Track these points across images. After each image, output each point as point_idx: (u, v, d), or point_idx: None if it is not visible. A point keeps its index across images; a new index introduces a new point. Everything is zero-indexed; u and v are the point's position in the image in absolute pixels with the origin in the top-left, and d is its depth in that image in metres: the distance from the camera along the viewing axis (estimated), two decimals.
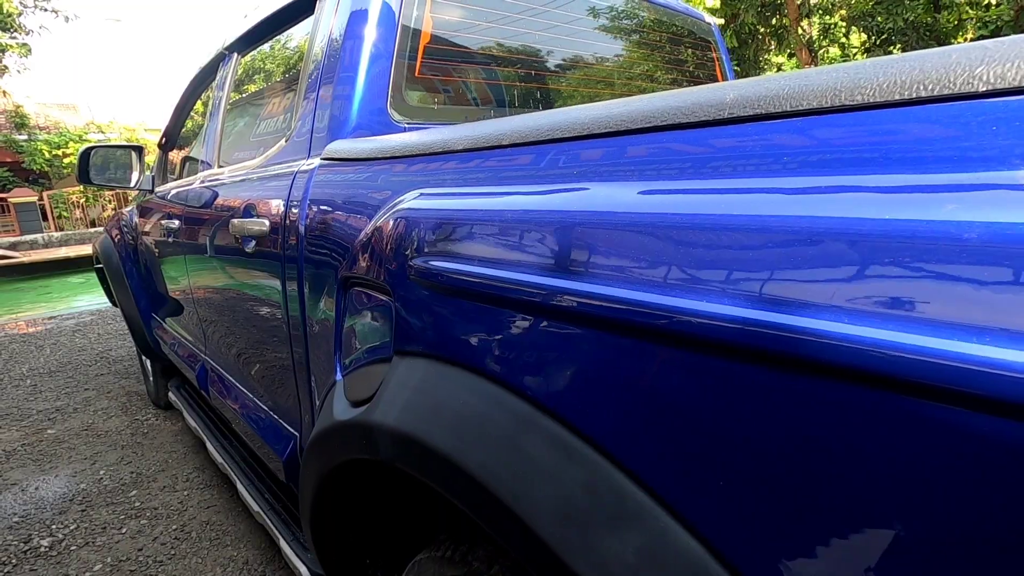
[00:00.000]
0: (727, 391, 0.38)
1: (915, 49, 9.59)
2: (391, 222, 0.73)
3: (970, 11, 8.44)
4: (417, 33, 1.10)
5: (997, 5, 8.75)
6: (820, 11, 9.86)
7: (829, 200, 0.35)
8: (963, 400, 0.28)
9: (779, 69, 13.34)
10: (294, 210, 1.04)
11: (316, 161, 1.04)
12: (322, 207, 0.97)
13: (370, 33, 1.05)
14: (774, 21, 9.52)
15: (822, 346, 0.33)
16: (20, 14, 15.72)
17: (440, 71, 1.14)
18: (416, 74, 1.10)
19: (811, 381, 0.34)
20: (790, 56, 10.29)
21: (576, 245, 0.48)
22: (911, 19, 8.07)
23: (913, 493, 0.31)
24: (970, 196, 0.31)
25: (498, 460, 0.52)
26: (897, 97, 0.35)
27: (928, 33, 8.36)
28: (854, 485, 0.33)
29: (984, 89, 0.33)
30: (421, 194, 0.71)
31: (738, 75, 8.57)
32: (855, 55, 10.16)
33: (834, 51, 9.76)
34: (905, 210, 0.32)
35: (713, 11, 6.99)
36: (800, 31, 10.19)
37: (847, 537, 0.33)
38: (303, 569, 1.27)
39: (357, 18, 1.06)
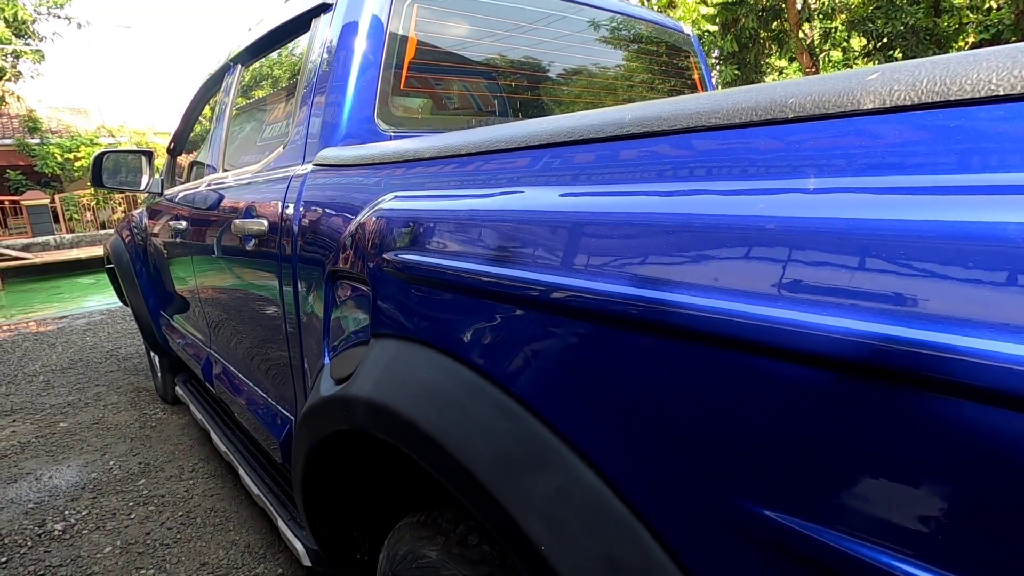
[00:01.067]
0: (619, 358, 0.48)
1: (915, 53, 9.61)
2: (369, 221, 0.83)
3: (970, 15, 8.48)
4: (402, 49, 1.20)
5: (998, 9, 8.78)
6: (820, 15, 9.93)
7: (690, 200, 0.45)
8: (752, 347, 0.38)
9: (781, 73, 13.45)
10: (289, 211, 1.14)
11: (309, 167, 1.15)
12: (313, 209, 1.07)
13: (359, 49, 1.16)
14: (774, 25, 9.60)
15: (683, 316, 0.42)
16: (34, 21, 16.04)
17: (423, 84, 1.24)
18: (401, 87, 1.20)
19: (679, 348, 0.44)
20: (791, 60, 10.38)
21: (511, 239, 0.58)
22: (911, 24, 8.12)
23: (749, 424, 0.40)
24: (778, 197, 0.40)
25: (449, 420, 0.62)
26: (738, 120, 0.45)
27: (928, 37, 8.40)
28: (720, 435, 0.42)
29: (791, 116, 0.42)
30: (395, 196, 0.81)
31: (738, 78, 8.60)
32: (856, 59, 10.24)
33: (836, 55, 9.82)
34: (724, 206, 0.41)
35: (713, 17, 7.07)
36: (802, 35, 10.25)
37: (712, 478, 0.42)
38: (299, 546, 1.36)
39: (347, 36, 1.17)
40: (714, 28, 7.64)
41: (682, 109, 0.48)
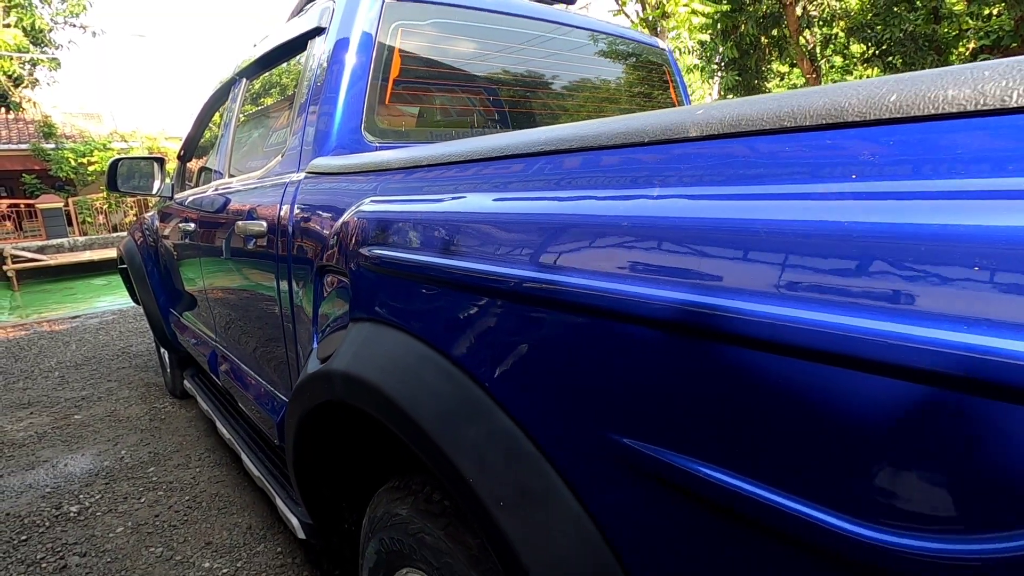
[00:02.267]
0: (526, 330, 0.60)
1: (914, 59, 9.69)
2: (350, 222, 0.96)
3: (970, 21, 8.54)
4: (387, 68, 1.33)
5: (998, 15, 8.84)
6: (820, 22, 10.03)
7: (577, 204, 0.58)
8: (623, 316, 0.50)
9: (783, 78, 13.58)
10: (284, 214, 1.28)
11: (303, 174, 1.28)
12: (305, 212, 1.21)
13: (348, 68, 1.29)
14: (774, 32, 9.71)
15: (565, 294, 0.55)
16: (51, 30, 16.44)
17: (405, 99, 1.38)
18: (386, 102, 1.33)
19: (563, 321, 0.56)
20: (792, 66, 10.49)
21: (456, 236, 0.71)
22: (909, 30, 8.21)
23: (614, 379, 0.52)
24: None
25: (406, 385, 0.74)
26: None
27: (928, 44, 8.48)
28: (596, 389, 0.54)
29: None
30: (371, 201, 0.94)
31: (739, 84, 8.63)
32: (856, 64, 10.34)
33: (837, 60, 9.92)
34: (595, 209, 0.54)
35: (705, 27, 7.17)
36: (803, 41, 10.34)
37: (592, 421, 0.55)
38: (294, 520, 1.49)
39: (338, 56, 1.30)
40: (705, 37, 7.79)
41: (584, 132, 0.60)
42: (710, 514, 0.45)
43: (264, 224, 1.38)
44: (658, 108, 2.05)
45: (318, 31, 1.39)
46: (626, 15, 6.58)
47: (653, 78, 2.03)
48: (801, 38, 9.65)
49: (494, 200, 0.68)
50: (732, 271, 0.42)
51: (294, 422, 1.10)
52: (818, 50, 10.27)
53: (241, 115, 1.93)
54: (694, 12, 5.86)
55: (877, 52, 8.76)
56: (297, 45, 1.50)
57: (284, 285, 1.31)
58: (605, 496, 0.55)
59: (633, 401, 0.50)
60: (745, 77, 10.14)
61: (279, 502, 1.62)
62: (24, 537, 2.12)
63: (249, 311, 1.64)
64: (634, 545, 0.53)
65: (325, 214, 1.10)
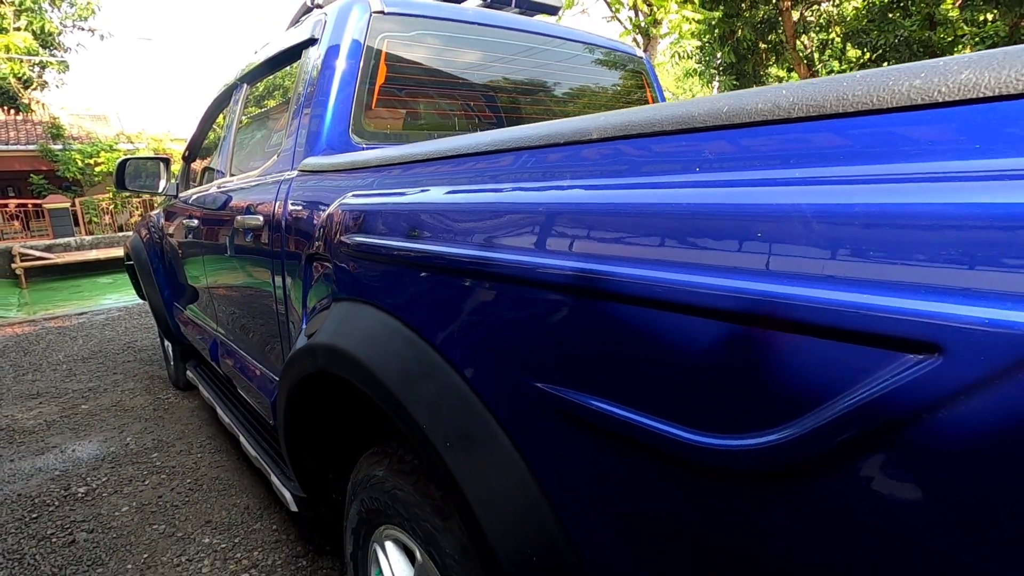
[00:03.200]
0: (467, 301, 0.72)
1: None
2: (335, 214, 1.08)
3: (966, 27, 8.64)
4: (373, 76, 1.45)
5: (993, 21, 8.93)
6: (817, 28, 10.14)
7: (506, 195, 0.69)
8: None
9: (781, 81, 13.66)
10: (279, 209, 1.40)
11: (296, 172, 1.40)
12: (297, 206, 1.33)
13: (337, 76, 1.42)
14: (771, 37, 9.82)
15: (492, 267, 0.67)
16: (60, 33, 16.71)
17: (390, 105, 1.50)
18: (372, 107, 1.46)
19: (506, 291, 0.68)
20: (789, 71, 10.60)
21: (416, 224, 0.83)
22: (904, 36, 8.30)
23: (533, 339, 0.64)
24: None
25: (376, 352, 0.86)
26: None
27: (923, 49, 8.58)
28: (520, 346, 0.66)
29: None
30: (351, 195, 1.06)
31: (737, 88, 8.76)
32: (852, 69, 10.42)
33: (834, 65, 10.02)
34: (517, 199, 0.66)
35: (701, 32, 7.31)
36: (801, 46, 10.44)
37: (518, 373, 0.66)
38: (288, 495, 1.61)
39: (328, 66, 1.43)
40: (696, 43, 7.92)
41: (511, 136, 0.72)
42: (599, 436, 0.57)
43: (261, 218, 1.50)
44: None
45: (311, 41, 1.52)
46: (619, 21, 6.72)
47: (630, 84, 2.15)
48: (798, 43, 9.76)
49: (446, 193, 0.80)
50: (611, 245, 0.54)
51: (284, 395, 1.22)
52: (815, 55, 10.39)
53: (242, 117, 2.06)
54: (685, 19, 6.00)
55: (873, 57, 8.88)
56: (293, 54, 1.63)
57: (278, 274, 1.43)
58: (528, 433, 0.66)
59: (543, 353, 0.62)
60: (743, 82, 10.26)
61: (274, 479, 1.74)
62: (35, 515, 2.25)
63: (247, 300, 1.76)
64: (552, 474, 0.64)
65: (313, 208, 1.22)
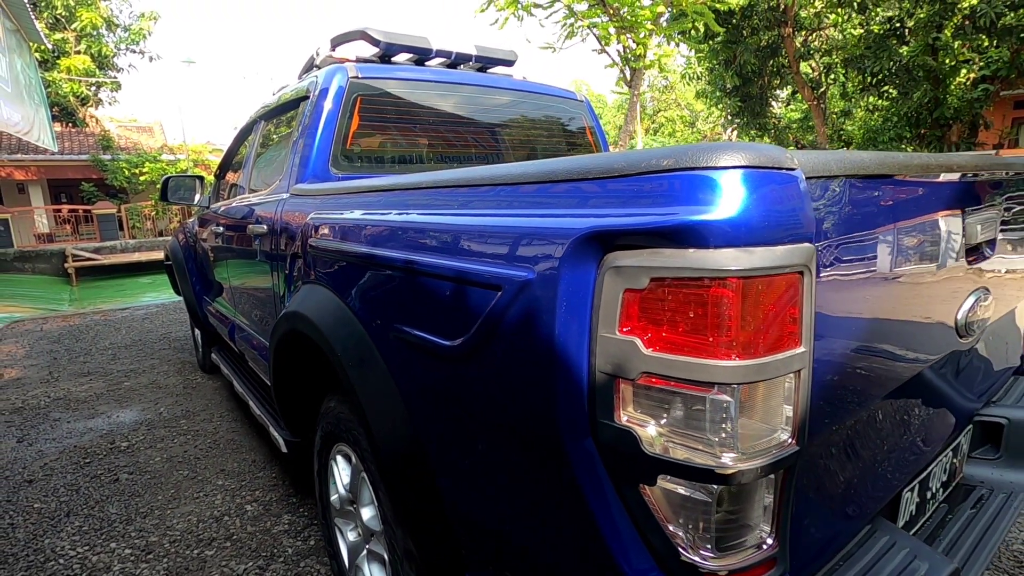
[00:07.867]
0: (368, 278, 1.21)
1: (908, 89, 9.98)
2: (307, 224, 1.59)
3: (967, 53, 8.82)
4: (348, 123, 1.96)
5: (996, 47, 9.09)
6: (819, 53, 10.43)
7: (397, 218, 1.18)
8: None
9: (788, 103, 13.97)
10: (277, 219, 1.92)
11: (289, 194, 1.92)
12: (288, 219, 1.84)
13: (321, 123, 1.93)
14: (772, 63, 10.15)
15: (381, 259, 1.15)
16: (114, 55, 18.08)
17: (361, 146, 2.01)
18: (347, 147, 1.97)
19: (382, 271, 1.16)
20: (794, 93, 10.89)
21: (348, 233, 1.32)
22: (903, 62, 8.55)
23: (400, 297, 1.12)
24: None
25: (319, 313, 1.35)
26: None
27: (924, 74, 8.79)
28: (391, 306, 1.14)
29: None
30: (315, 212, 1.56)
31: (742, 109, 9.01)
32: (854, 93, 10.69)
33: (835, 90, 10.30)
34: (390, 222, 1.14)
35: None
36: (808, 69, 10.74)
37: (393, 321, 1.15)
38: (280, 440, 2.11)
39: (316, 115, 1.94)
40: (674, 76, 8.35)
41: (416, 180, 1.21)
42: (413, 349, 1.05)
43: (265, 227, 2.02)
44: (578, 149, 2.64)
45: (305, 97, 2.04)
46: (608, 55, 7.20)
47: (572, 125, 2.62)
48: (803, 65, 10.06)
49: (361, 214, 1.29)
50: (415, 246, 1.02)
51: (272, 352, 1.72)
52: (822, 78, 10.68)
53: (259, 147, 2.61)
54: (663, 55, 6.48)
55: (872, 82, 9.12)
56: (293, 104, 2.16)
57: (275, 267, 1.94)
58: (391, 357, 1.14)
59: (395, 307, 1.10)
60: (748, 104, 10.60)
61: (271, 430, 2.24)
62: (88, 460, 2.81)
63: (255, 289, 2.28)
64: (402, 379, 1.12)
65: (297, 220, 1.73)
